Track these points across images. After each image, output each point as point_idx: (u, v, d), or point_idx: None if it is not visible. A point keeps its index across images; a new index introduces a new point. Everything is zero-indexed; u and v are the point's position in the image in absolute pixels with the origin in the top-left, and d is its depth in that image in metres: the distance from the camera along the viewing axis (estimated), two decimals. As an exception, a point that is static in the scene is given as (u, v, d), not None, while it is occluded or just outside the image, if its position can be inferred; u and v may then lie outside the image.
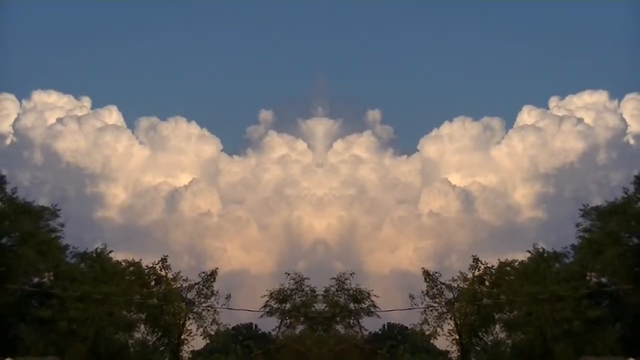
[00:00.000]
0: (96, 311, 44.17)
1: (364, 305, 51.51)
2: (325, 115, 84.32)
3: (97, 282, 45.79)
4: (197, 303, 49.73)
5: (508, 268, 48.90)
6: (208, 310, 49.59)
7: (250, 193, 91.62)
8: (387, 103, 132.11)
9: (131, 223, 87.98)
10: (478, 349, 49.46)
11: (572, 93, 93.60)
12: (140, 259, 50.03)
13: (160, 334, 49.38)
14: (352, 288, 51.63)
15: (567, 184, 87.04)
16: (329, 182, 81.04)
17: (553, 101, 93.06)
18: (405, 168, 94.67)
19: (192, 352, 51.46)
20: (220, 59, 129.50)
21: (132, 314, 47.97)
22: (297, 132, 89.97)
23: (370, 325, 53.75)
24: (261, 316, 51.84)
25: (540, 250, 48.68)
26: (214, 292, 49.96)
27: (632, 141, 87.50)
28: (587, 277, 45.71)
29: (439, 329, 49.22)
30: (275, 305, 51.19)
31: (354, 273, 52.54)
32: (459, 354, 49.37)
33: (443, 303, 49.42)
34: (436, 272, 50.81)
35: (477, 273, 49.47)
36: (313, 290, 51.43)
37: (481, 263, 49.67)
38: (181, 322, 49.08)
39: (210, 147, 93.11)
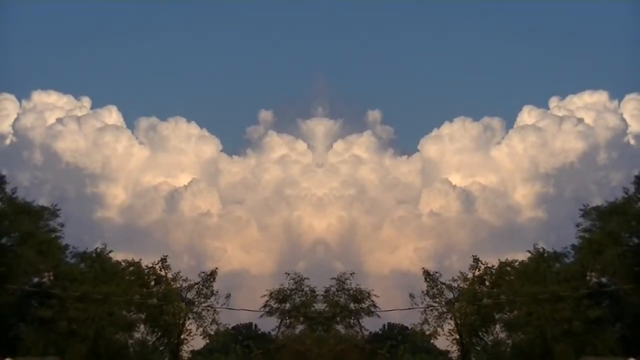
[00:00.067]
0: (96, 311, 44.15)
1: (364, 305, 51.50)
2: (325, 115, 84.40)
3: (97, 282, 45.77)
4: (197, 303, 49.72)
5: (508, 268, 48.89)
6: (208, 310, 49.60)
7: (250, 193, 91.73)
8: (387, 103, 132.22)
9: (131, 223, 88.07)
10: (478, 348, 49.46)
11: (572, 93, 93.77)
12: (140, 259, 50.07)
13: (160, 333, 49.36)
14: (352, 288, 51.62)
15: (568, 184, 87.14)
16: (329, 182, 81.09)
17: (553, 101, 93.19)
18: (405, 168, 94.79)
19: (192, 352, 51.44)
20: (220, 59, 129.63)
21: (132, 314, 47.94)
22: (297, 132, 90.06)
23: (371, 325, 53.82)
24: (261, 316, 51.89)
25: (541, 250, 48.68)
26: (214, 292, 49.99)
27: (632, 141, 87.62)
28: (587, 277, 45.68)
29: (439, 329, 49.22)
30: (275, 305, 51.19)
31: (354, 273, 52.60)
32: (459, 353, 49.36)
33: (443, 303, 49.41)
34: (436, 272, 50.86)
35: (477, 273, 49.47)
36: (313, 290, 51.41)
37: (481, 263, 49.68)
38: (181, 322, 49.06)
39: (210, 147, 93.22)
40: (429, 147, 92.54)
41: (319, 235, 73.74)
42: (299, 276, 51.81)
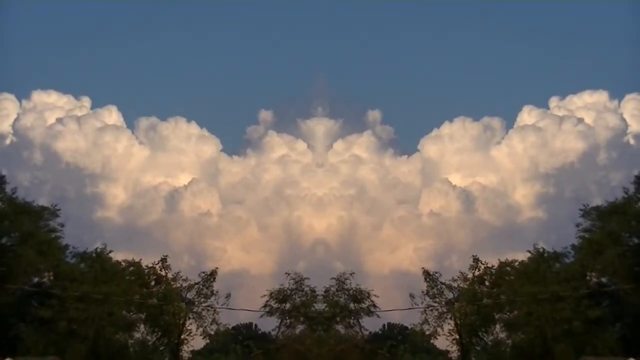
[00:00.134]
0: (96, 311, 44.14)
1: (364, 305, 51.50)
2: (325, 115, 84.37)
3: (97, 282, 45.76)
4: (197, 303, 49.72)
5: (508, 268, 48.88)
6: (208, 310, 49.60)
7: (250, 193, 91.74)
8: (387, 103, 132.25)
9: (131, 223, 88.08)
10: (478, 348, 49.46)
11: (572, 93, 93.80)
12: (140, 259, 50.05)
13: (160, 333, 49.36)
14: (352, 288, 51.61)
15: (567, 184, 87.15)
16: (329, 182, 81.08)
17: (553, 101, 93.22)
18: (405, 168, 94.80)
19: (192, 352, 51.43)
20: (220, 59, 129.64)
21: (132, 314, 47.94)
22: (297, 132, 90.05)
23: (371, 325, 53.83)
24: (261, 316, 51.89)
25: (541, 250, 48.67)
26: (214, 292, 49.98)
27: (632, 141, 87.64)
28: (587, 277, 45.68)
29: (439, 329, 49.22)
30: (275, 305, 51.19)
31: (354, 273, 52.58)
32: (459, 353, 49.36)
33: (443, 303, 49.41)
34: (436, 272, 50.85)
35: (477, 273, 49.47)
36: (313, 290, 51.40)
37: (481, 263, 49.68)
38: (181, 322, 49.05)
39: (210, 147, 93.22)
40: (429, 147, 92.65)
41: (319, 235, 73.80)
42: (299, 276, 51.85)
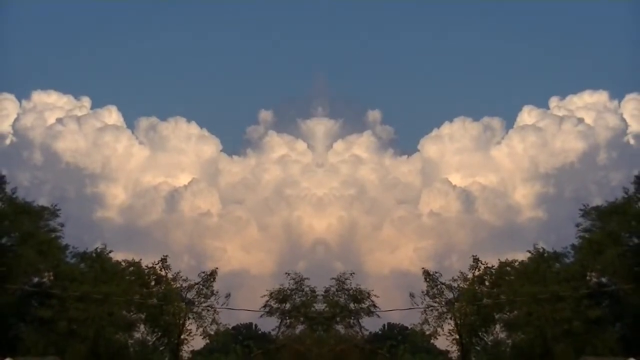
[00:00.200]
0: (96, 311, 44.14)
1: (364, 305, 51.48)
2: (325, 115, 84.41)
3: (97, 282, 45.76)
4: (197, 303, 49.71)
5: (508, 268, 48.88)
6: (208, 310, 49.59)
7: (250, 193, 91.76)
8: (387, 103, 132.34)
9: (131, 223, 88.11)
10: (478, 348, 49.46)
11: (572, 93, 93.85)
12: (140, 259, 50.06)
13: (160, 333, 49.35)
14: (352, 288, 51.60)
15: (567, 184, 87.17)
16: (329, 182, 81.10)
17: (553, 101, 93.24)
18: (405, 168, 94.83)
19: (192, 352, 51.44)
20: (220, 59, 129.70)
21: (132, 314, 47.94)
22: (297, 132, 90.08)
23: (370, 325, 53.80)
24: (261, 316, 51.87)
25: (541, 250, 48.67)
26: (214, 292, 49.97)
27: (632, 141, 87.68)
28: (587, 277, 45.68)
29: (439, 329, 49.21)
30: (275, 305, 51.18)
31: (354, 273, 52.56)
32: (459, 353, 49.36)
33: (443, 303, 49.41)
34: (436, 272, 50.84)
35: (477, 273, 49.46)
36: (313, 290, 51.39)
37: (481, 263, 49.67)
38: (181, 322, 49.05)
39: (210, 147, 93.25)
40: (429, 147, 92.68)
41: (319, 235, 73.82)
42: (299, 276, 51.83)
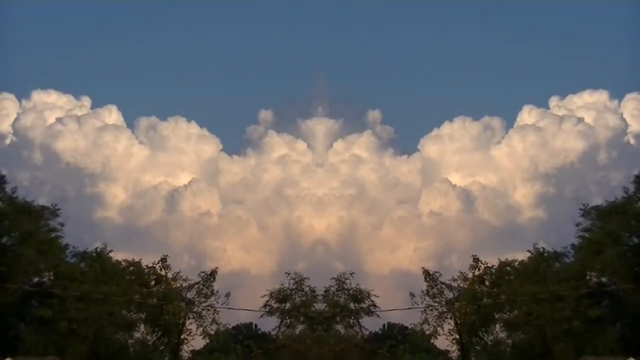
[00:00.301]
0: (96, 311, 44.11)
1: (364, 305, 51.44)
2: (325, 115, 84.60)
3: (97, 282, 45.73)
4: (197, 303, 49.69)
5: (508, 268, 48.84)
6: (208, 309, 49.55)
7: (250, 193, 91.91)
8: (387, 103, 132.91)
9: (131, 223, 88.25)
10: (478, 348, 49.43)
11: (572, 93, 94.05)
12: (140, 259, 49.97)
13: (160, 333, 49.30)
14: (352, 288, 51.57)
15: (567, 183, 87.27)
16: (329, 182, 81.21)
17: (553, 101, 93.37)
18: (405, 168, 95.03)
19: (192, 351, 51.37)
20: (220, 59, 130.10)
21: (132, 313, 47.90)
22: (297, 132, 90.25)
23: (370, 325, 53.77)
24: (261, 316, 51.81)
25: (541, 250, 48.64)
26: (214, 291, 49.93)
27: (632, 141, 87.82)
28: (587, 277, 45.66)
29: (439, 329, 49.13)
30: (275, 305, 51.16)
31: (354, 273, 52.47)
32: (459, 353, 49.34)
33: (443, 303, 49.38)
34: (436, 272, 50.73)
35: (477, 273, 49.40)
36: (313, 290, 51.36)
37: (481, 263, 49.59)
38: (181, 321, 49.02)
39: (210, 147, 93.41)
40: (429, 146, 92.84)
41: (319, 235, 73.89)
42: (299, 276, 51.79)
